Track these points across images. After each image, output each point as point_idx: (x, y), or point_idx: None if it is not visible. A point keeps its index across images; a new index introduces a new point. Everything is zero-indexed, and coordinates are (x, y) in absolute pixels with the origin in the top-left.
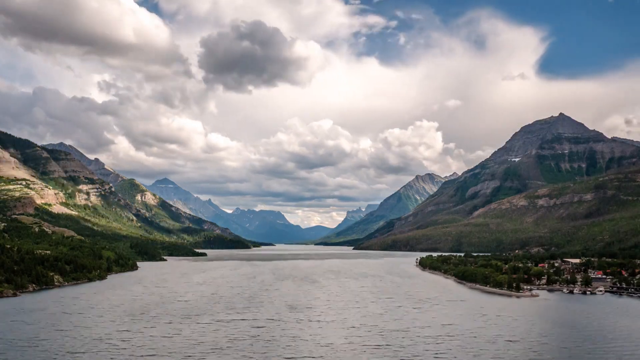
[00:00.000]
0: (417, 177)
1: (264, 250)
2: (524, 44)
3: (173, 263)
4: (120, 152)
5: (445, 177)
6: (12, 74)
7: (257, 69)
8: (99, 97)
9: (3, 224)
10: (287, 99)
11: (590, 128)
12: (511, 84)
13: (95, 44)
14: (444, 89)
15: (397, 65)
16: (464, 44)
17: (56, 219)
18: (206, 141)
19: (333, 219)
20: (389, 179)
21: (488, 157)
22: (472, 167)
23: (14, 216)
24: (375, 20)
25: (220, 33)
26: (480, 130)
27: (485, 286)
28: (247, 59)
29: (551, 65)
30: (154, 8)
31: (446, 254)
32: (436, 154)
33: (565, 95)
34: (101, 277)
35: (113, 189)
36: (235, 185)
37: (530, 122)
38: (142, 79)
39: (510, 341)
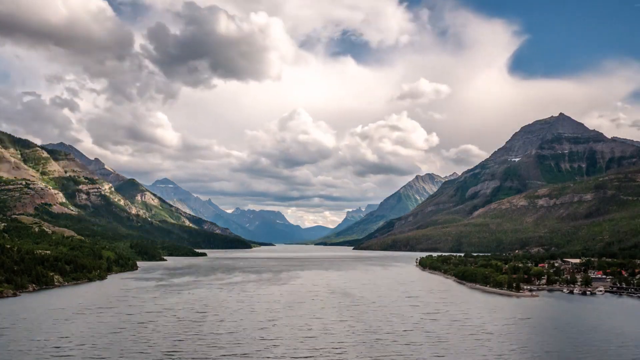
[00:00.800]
0: (417, 177)
1: (255, 252)
2: (495, 39)
3: (114, 283)
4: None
5: (445, 177)
6: None
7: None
8: (48, 92)
9: (3, 224)
10: (260, 96)
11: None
12: (486, 80)
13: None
14: (417, 85)
15: (371, 64)
16: (435, 39)
17: (56, 219)
18: (179, 139)
19: (326, 218)
20: (375, 179)
21: (488, 156)
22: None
23: (14, 216)
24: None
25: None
26: (462, 126)
27: (485, 286)
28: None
29: (524, 63)
30: None
31: (446, 254)
32: (418, 152)
33: (541, 93)
34: (101, 277)
35: (113, 189)
36: (220, 184)
37: (531, 122)
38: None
39: (510, 341)
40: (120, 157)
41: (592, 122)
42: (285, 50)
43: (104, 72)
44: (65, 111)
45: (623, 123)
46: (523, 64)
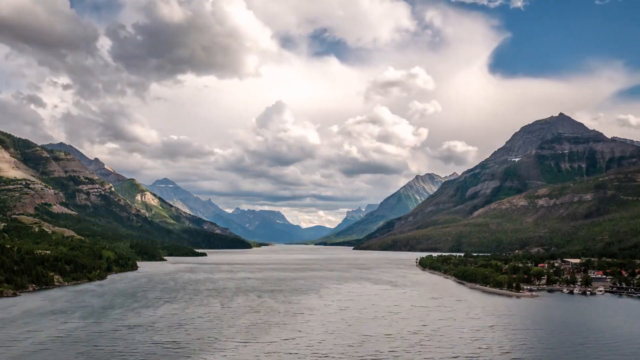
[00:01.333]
0: (417, 177)
1: (247, 254)
2: (475, 35)
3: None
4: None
5: (445, 177)
6: None
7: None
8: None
9: (3, 224)
10: (239, 93)
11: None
12: (468, 77)
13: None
14: (399, 83)
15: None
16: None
17: (56, 219)
18: (157, 137)
19: (322, 218)
20: (365, 178)
21: (488, 156)
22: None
23: (14, 216)
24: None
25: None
26: (448, 123)
27: (485, 286)
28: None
29: (506, 61)
30: None
31: (446, 254)
32: (404, 150)
33: (524, 91)
34: (101, 277)
35: (113, 189)
36: (210, 184)
37: (530, 122)
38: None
39: (511, 341)
40: (100, 157)
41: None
42: (264, 45)
43: (69, 68)
44: (33, 108)
45: (604, 122)
46: (504, 62)
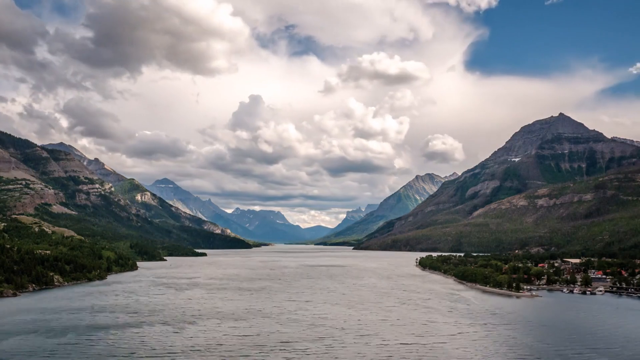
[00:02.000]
0: (417, 177)
1: (237, 255)
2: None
3: None
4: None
5: (445, 177)
6: None
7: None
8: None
9: (3, 224)
10: (212, 89)
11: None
12: (444, 75)
13: None
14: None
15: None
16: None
17: (56, 219)
18: (129, 133)
19: (315, 218)
20: (353, 177)
21: (488, 156)
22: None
23: (14, 216)
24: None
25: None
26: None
27: (485, 286)
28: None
29: (483, 59)
30: None
31: (446, 254)
32: (387, 148)
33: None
34: (101, 277)
35: (113, 189)
36: (192, 182)
37: (530, 122)
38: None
39: (510, 341)
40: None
41: None
42: (238, 40)
43: (20, 62)
44: None
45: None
46: (480, 59)
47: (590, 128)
